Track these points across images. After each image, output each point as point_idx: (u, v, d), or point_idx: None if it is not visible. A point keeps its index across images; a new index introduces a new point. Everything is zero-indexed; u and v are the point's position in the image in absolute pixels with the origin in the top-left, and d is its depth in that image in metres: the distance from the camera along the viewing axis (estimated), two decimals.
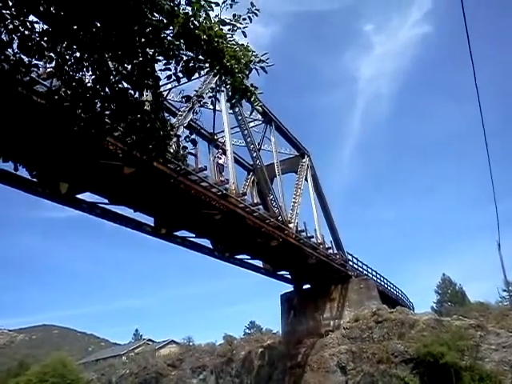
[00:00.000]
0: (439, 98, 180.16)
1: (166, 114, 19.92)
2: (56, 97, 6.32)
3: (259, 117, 28.01)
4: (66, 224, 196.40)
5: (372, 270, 39.97)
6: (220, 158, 23.90)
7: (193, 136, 7.75)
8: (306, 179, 33.07)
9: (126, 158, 13.69)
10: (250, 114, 25.58)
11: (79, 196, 17.91)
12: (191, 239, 24.37)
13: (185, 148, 7.92)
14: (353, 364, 30.24)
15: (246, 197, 23.80)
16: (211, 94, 17.37)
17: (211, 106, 23.45)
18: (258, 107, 7.27)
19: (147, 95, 7.12)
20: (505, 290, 51.61)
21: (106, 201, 18.91)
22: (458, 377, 26.52)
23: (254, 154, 25.63)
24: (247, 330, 66.51)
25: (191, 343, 50.43)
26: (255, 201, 24.87)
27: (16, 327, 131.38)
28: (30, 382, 47.05)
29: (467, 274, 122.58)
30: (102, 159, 14.79)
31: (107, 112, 6.43)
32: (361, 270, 38.20)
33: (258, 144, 27.86)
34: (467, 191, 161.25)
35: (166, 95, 20.38)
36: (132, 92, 6.35)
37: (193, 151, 18.16)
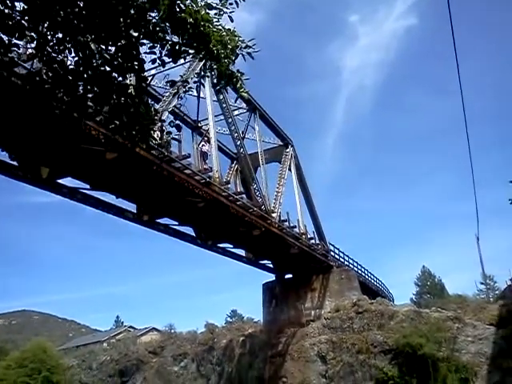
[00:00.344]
0: (422, 90, 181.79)
1: (150, 100, 19.77)
2: (37, 78, 6.15)
3: (244, 105, 27.87)
4: (46, 209, 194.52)
5: (353, 260, 40.44)
6: (204, 146, 23.76)
7: (177, 121, 7.64)
8: (290, 169, 33.08)
9: (109, 143, 13.52)
10: (235, 100, 25.47)
11: (60, 181, 17.71)
12: (174, 227, 24.28)
13: (169, 133, 7.81)
14: (333, 354, 30.56)
15: (229, 185, 23.73)
16: (196, 79, 17.19)
17: (195, 93, 23.21)
18: (243, 94, 7.18)
19: (131, 79, 6.98)
20: (482, 283, 52.62)
21: (88, 186, 18.70)
22: (435, 368, 27.00)
23: (238, 143, 25.53)
24: (229, 319, 66.68)
25: (173, 331, 50.40)
26: (239, 189, 24.84)
27: None
28: (9, 368, 46.73)
29: (447, 266, 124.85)
30: (83, 144, 14.57)
31: (90, 95, 6.29)
32: (342, 260, 38.55)
33: (242, 132, 27.69)
34: (449, 184, 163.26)
35: (150, 80, 20.10)
36: (115, 75, 6.20)
37: (177, 137, 18.03)
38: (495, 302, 35.71)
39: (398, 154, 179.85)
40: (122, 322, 78.72)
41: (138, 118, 6.53)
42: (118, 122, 6.70)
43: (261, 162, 28.56)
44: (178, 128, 7.52)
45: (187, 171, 19.53)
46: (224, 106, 23.92)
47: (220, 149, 26.88)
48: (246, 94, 6.98)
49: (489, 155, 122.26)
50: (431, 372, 26.82)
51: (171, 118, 16.09)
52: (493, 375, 27.71)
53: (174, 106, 20.22)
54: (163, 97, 19.53)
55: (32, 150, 15.37)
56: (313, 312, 35.41)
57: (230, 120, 24.58)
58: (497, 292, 50.86)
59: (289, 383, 30.82)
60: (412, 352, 27.21)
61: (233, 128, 24.90)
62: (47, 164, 16.46)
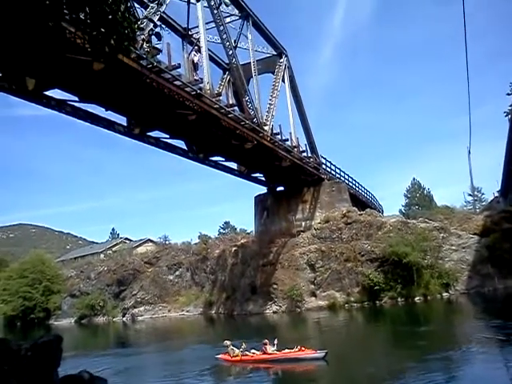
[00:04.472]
0: None
1: (137, 6, 18.77)
2: None
3: (236, 12, 26.55)
4: (38, 123, 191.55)
5: (344, 173, 40.82)
6: (195, 56, 22.88)
7: (157, 29, 7.22)
8: (283, 80, 32.30)
9: (95, 52, 12.97)
10: (227, 5, 24.25)
11: (48, 93, 17.20)
12: (165, 140, 24.06)
13: (149, 42, 7.42)
14: (321, 262, 31.81)
15: (221, 97, 23.18)
16: None
17: None
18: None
19: None
20: (470, 195, 53.80)
21: (77, 98, 18.22)
22: (419, 274, 28.35)
23: (230, 52, 24.58)
24: (222, 230, 68.18)
25: (167, 242, 51.89)
26: (230, 102, 24.26)
27: None
28: (11, 278, 48.57)
29: (437, 179, 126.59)
30: (68, 53, 13.97)
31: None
32: (334, 173, 38.91)
33: (234, 41, 26.61)
34: (444, 97, 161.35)
35: None
36: None
37: (160, 46, 17.24)
38: (481, 213, 36.73)
39: (396, 64, 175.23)
40: (118, 234, 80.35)
41: (117, 27, 6.18)
42: (96, 31, 6.35)
43: (253, 73, 27.74)
44: (159, 37, 7.09)
45: (177, 82, 18.91)
46: (215, 12, 22.67)
47: (211, 59, 25.94)
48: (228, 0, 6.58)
49: (488, 69, 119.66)
50: (415, 278, 28.17)
51: (151, 26, 15.15)
52: (472, 280, 29.24)
53: (163, 13, 19.21)
54: (151, 2, 18.52)
55: (16, 60, 14.75)
56: (303, 223, 36.35)
57: (221, 28, 23.40)
58: (483, 203, 52.24)
59: (279, 289, 32.26)
60: (398, 260, 28.37)
61: (224, 36, 23.77)
62: (33, 75, 15.88)
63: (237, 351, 14.88)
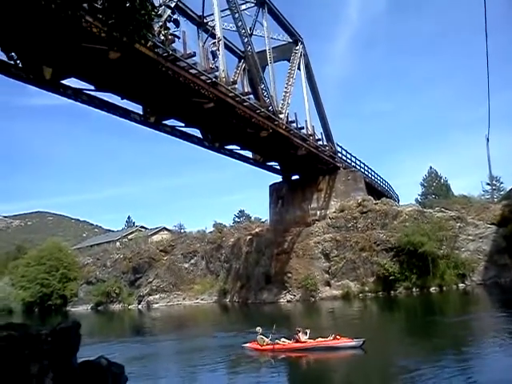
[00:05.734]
0: None
1: None
2: None
3: None
4: (54, 112, 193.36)
5: (360, 162, 40.42)
6: (214, 46, 22.73)
7: (175, 16, 7.15)
8: (299, 68, 32.03)
9: (111, 41, 12.97)
10: None
11: (64, 82, 17.30)
12: (181, 128, 24.07)
13: (167, 29, 7.37)
14: (336, 251, 31.72)
15: (236, 85, 23.10)
16: None
17: None
18: None
19: None
20: (488, 184, 52.92)
21: (93, 87, 18.37)
22: (434, 264, 28.12)
23: (246, 40, 24.44)
24: (236, 219, 68.30)
25: (182, 230, 52.17)
26: (246, 90, 24.16)
27: (10, 214, 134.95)
28: (29, 265, 49.41)
29: (455, 168, 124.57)
30: (85, 42, 14.00)
31: None
32: (349, 161, 38.57)
33: (250, 29, 26.43)
34: (462, 87, 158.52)
35: None
36: None
37: (177, 33, 17.16)
38: (499, 202, 36.18)
39: (412, 56, 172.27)
40: (134, 223, 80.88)
41: (134, 14, 6.13)
42: (114, 19, 6.31)
43: (269, 61, 27.56)
44: (177, 23, 7.02)
45: (193, 71, 18.93)
46: (230, 0, 22.65)
47: (227, 47, 25.82)
48: None
49: (508, 57, 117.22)
50: (430, 268, 27.95)
51: (168, 12, 15.09)
52: (489, 271, 28.94)
53: (178, 1, 19.12)
54: None
55: (33, 50, 14.81)
56: (318, 212, 36.18)
57: (236, 15, 23.27)
58: (502, 193, 51.35)
59: (293, 279, 32.31)
60: (413, 250, 28.16)
61: (240, 24, 23.63)
62: (50, 64, 15.98)
63: (266, 340, 14.35)
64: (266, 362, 13.87)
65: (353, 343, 13.27)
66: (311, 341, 13.89)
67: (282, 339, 14.48)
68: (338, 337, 13.52)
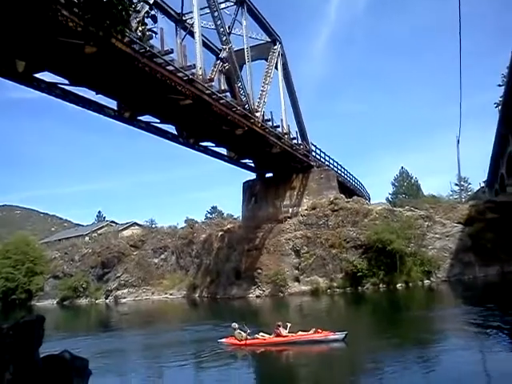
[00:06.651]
0: None
1: None
2: None
3: None
4: (26, 105, 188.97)
5: (334, 161, 40.80)
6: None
7: (153, 12, 7.01)
8: (276, 67, 32.27)
9: (87, 36, 12.72)
10: None
11: (38, 75, 17.07)
12: (156, 124, 24.00)
13: (145, 24, 7.23)
14: (307, 248, 31.96)
15: (213, 83, 23.15)
16: None
17: None
18: None
19: None
20: (457, 185, 54.20)
21: (67, 82, 18.19)
22: (402, 261, 28.61)
23: (224, 38, 24.51)
24: (209, 215, 67.89)
25: (153, 225, 51.82)
26: (222, 88, 24.27)
27: None
28: None
29: (425, 168, 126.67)
30: (61, 36, 13.74)
31: None
32: (323, 160, 38.92)
33: (229, 28, 26.45)
34: (435, 89, 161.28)
35: None
36: None
37: (155, 29, 17.01)
38: (466, 202, 37.05)
39: (389, 56, 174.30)
40: (104, 217, 79.76)
41: (111, 9, 6.03)
42: (90, 14, 6.19)
43: (246, 60, 27.72)
44: (154, 19, 6.92)
45: (170, 67, 18.92)
46: None
47: (204, 44, 25.81)
48: None
49: (479, 60, 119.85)
50: (398, 265, 28.42)
51: (146, 8, 14.99)
52: (453, 268, 29.65)
53: None
54: None
55: (5, 43, 14.44)
56: (290, 209, 36.40)
57: (216, 14, 23.31)
58: (469, 193, 52.67)
59: (263, 274, 32.39)
60: (382, 247, 28.59)
61: (219, 22, 23.69)
62: (23, 57, 15.61)
63: (244, 334, 14.04)
64: (243, 356, 13.70)
65: (335, 336, 13.29)
66: (292, 334, 13.80)
67: (261, 334, 14.30)
68: (319, 330, 13.46)
